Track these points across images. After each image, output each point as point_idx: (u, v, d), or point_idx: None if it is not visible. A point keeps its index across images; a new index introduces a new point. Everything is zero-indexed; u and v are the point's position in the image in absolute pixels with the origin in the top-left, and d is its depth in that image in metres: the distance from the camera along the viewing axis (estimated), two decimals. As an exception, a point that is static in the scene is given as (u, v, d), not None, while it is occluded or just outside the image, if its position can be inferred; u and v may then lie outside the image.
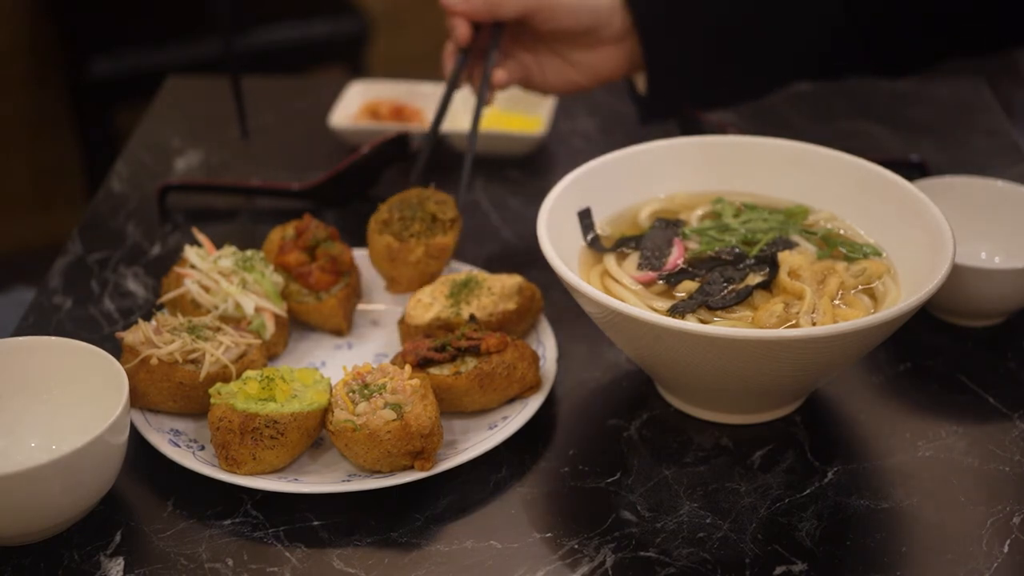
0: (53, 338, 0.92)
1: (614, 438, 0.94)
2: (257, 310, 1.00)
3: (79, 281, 1.15)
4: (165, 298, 1.02)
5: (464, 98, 1.39)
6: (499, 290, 1.00)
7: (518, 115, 1.38)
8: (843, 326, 0.82)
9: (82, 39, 2.40)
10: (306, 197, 1.25)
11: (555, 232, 0.94)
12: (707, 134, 1.13)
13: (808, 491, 0.89)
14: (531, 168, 1.31)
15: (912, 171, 1.19)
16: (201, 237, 1.07)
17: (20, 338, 0.92)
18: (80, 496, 0.83)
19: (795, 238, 0.99)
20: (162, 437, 0.90)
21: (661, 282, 0.96)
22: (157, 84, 1.55)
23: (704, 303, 0.92)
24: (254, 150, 1.40)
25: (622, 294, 0.95)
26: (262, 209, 1.26)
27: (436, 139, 1.19)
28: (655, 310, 0.92)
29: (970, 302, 1.02)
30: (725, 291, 0.93)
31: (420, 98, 1.42)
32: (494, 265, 1.13)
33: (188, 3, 2.39)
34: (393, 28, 2.75)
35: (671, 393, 0.97)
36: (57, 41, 2.49)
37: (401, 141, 1.24)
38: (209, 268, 1.01)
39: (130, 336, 0.94)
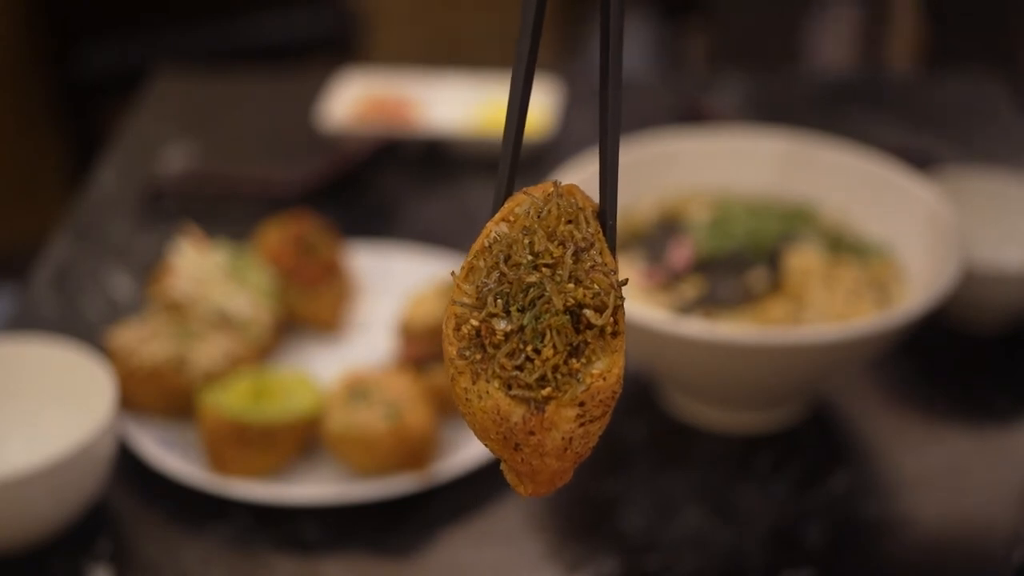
0: (38, 340, 0.90)
1: (617, 442, 0.93)
2: (249, 309, 0.98)
3: (65, 281, 1.13)
4: (154, 298, 1.00)
5: (456, 99, 1.38)
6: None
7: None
8: (851, 329, 0.81)
9: (68, 31, 2.38)
10: (298, 196, 1.23)
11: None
12: (712, 131, 1.12)
13: (816, 497, 0.87)
14: (534, 167, 1.30)
15: (917, 160, 1.17)
16: (192, 234, 1.05)
17: (4, 340, 0.90)
18: (66, 504, 0.81)
19: (802, 238, 0.97)
20: (151, 442, 0.88)
21: (666, 282, 0.95)
22: (146, 77, 1.52)
23: (710, 304, 0.91)
24: (246, 144, 1.38)
25: (626, 295, 0.93)
26: (253, 205, 1.24)
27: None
28: (659, 311, 0.90)
29: (982, 304, 1.00)
30: (731, 292, 0.92)
31: (414, 89, 1.40)
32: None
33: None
34: (389, 16, 2.73)
35: (675, 391, 0.95)
36: (42, 34, 2.47)
37: (391, 149, 1.23)
38: (200, 266, 0.99)
39: (118, 338, 0.92)
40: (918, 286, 0.91)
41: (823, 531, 0.84)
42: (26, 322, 1.06)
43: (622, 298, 0.45)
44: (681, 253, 0.96)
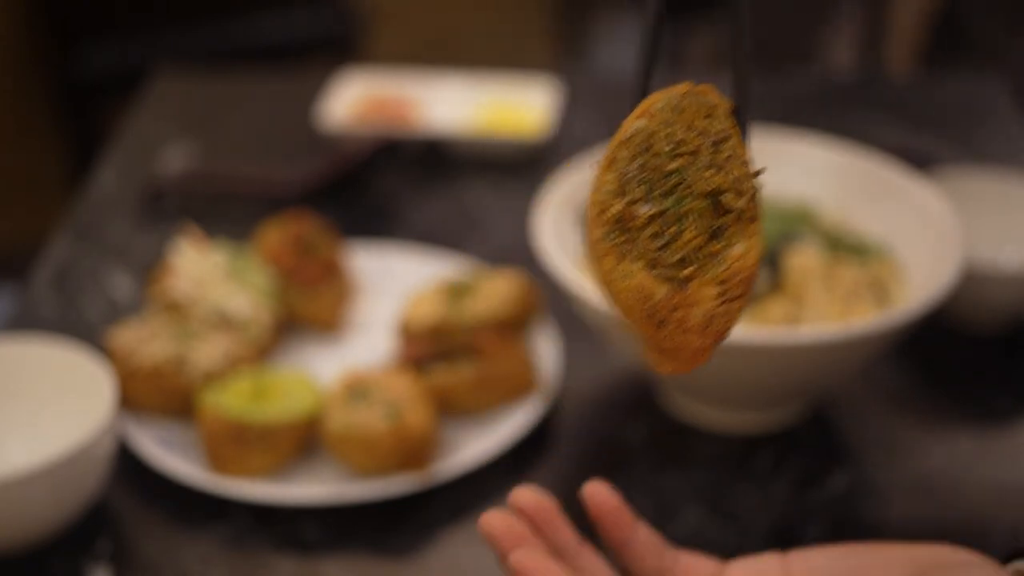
0: (38, 340, 0.90)
1: (617, 442, 0.93)
2: (249, 309, 0.98)
3: (65, 281, 1.13)
4: (154, 298, 1.00)
5: (456, 99, 1.38)
6: (499, 289, 0.98)
7: (514, 105, 1.36)
8: (851, 329, 0.81)
9: (68, 31, 2.37)
10: (298, 196, 1.23)
11: (554, 233, 0.92)
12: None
13: (816, 499, 0.87)
14: (533, 167, 1.30)
15: (917, 160, 1.17)
16: (192, 234, 1.05)
17: (4, 340, 0.90)
18: (66, 504, 0.80)
19: (802, 238, 0.97)
20: (151, 442, 0.88)
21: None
22: (146, 77, 1.52)
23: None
24: (246, 144, 1.37)
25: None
26: (253, 205, 1.24)
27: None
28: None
29: (982, 304, 1.00)
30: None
31: (414, 89, 1.40)
32: (495, 263, 1.11)
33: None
34: (389, 16, 2.73)
35: (675, 391, 0.95)
36: (42, 34, 2.47)
37: (391, 149, 1.23)
38: (200, 266, 0.99)
39: (118, 338, 0.92)
40: (918, 286, 0.91)
41: (823, 531, 0.84)
42: (26, 322, 1.06)
43: (759, 185, 0.47)
44: (681, 253, 0.96)
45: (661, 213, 0.47)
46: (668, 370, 0.49)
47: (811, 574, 0.61)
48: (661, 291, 0.47)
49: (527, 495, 0.61)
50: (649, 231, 0.47)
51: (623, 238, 0.47)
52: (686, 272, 0.46)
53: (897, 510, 0.86)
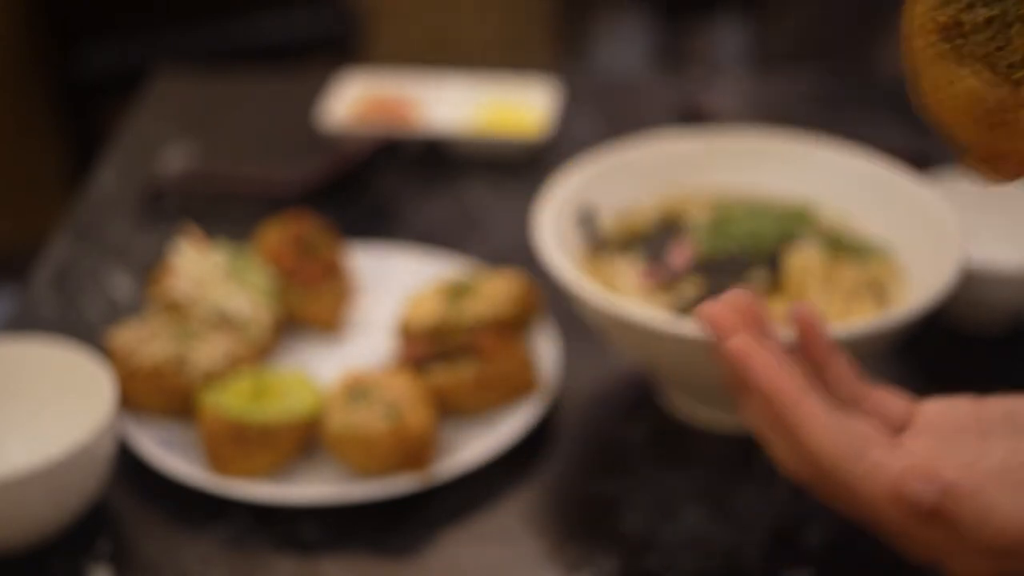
0: (38, 340, 0.90)
1: (616, 443, 0.93)
2: (249, 309, 0.98)
3: (65, 281, 1.13)
4: (154, 298, 1.00)
5: (456, 99, 1.38)
6: (499, 289, 0.98)
7: (514, 105, 1.36)
8: (851, 329, 0.81)
9: (68, 31, 2.38)
10: (298, 196, 1.24)
11: (554, 233, 0.92)
12: (712, 131, 1.12)
13: (816, 498, 0.87)
14: (533, 168, 1.30)
15: (917, 160, 1.17)
16: (192, 234, 1.05)
17: (4, 340, 0.90)
18: (66, 504, 0.81)
19: (802, 238, 0.97)
20: (151, 442, 0.88)
21: (666, 282, 0.95)
22: (146, 77, 1.52)
23: (709, 304, 0.91)
24: (246, 144, 1.37)
25: (624, 297, 0.93)
26: (253, 205, 1.24)
27: None
28: (659, 311, 0.90)
29: (982, 304, 1.00)
30: (730, 292, 0.92)
31: (414, 89, 1.40)
32: (495, 263, 1.11)
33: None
34: (389, 16, 2.73)
35: (675, 391, 0.95)
36: (42, 34, 2.47)
37: (391, 149, 1.23)
38: (200, 266, 0.99)
39: (118, 338, 0.92)
40: (918, 286, 0.91)
41: (823, 531, 0.84)
42: (26, 322, 1.06)
43: None
44: (681, 253, 0.96)
45: (993, 18, 0.47)
46: (993, 178, 0.49)
47: (1006, 416, 0.63)
48: (996, 94, 0.47)
49: (743, 296, 0.63)
50: (981, 36, 0.47)
51: (950, 45, 0.48)
52: (1019, 75, 0.47)
53: (897, 510, 0.86)
